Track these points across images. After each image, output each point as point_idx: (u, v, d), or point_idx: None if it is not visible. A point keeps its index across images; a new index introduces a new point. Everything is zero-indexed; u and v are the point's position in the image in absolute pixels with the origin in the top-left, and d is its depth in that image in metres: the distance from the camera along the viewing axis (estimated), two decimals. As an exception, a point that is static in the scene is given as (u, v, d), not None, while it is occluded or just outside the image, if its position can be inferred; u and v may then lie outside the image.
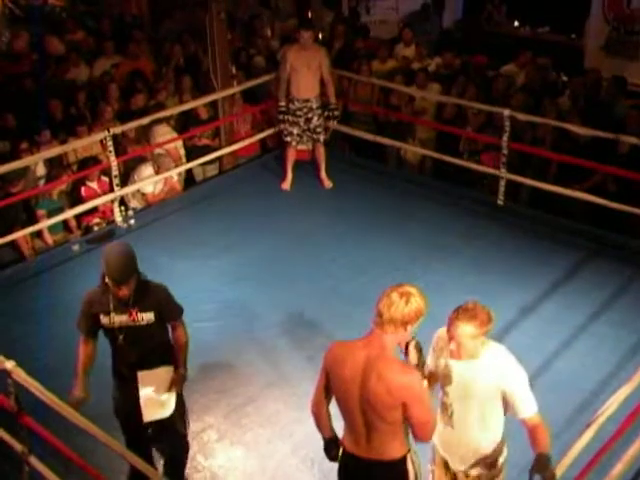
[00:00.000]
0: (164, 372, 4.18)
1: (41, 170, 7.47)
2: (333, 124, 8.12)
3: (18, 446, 4.28)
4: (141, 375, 4.15)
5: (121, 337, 4.05)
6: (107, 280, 3.95)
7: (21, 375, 4.00)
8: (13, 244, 6.96)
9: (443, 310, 6.20)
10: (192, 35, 10.20)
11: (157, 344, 4.17)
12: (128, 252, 3.98)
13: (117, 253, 3.96)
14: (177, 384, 4.19)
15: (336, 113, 8.03)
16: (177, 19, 11.32)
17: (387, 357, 3.09)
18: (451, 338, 3.39)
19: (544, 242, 7.02)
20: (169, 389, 4.16)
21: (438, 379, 3.58)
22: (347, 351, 3.18)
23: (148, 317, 4.06)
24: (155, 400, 4.16)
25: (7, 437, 4.36)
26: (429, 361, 3.58)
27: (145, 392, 4.15)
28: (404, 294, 3.11)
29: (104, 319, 4.04)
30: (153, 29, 11.12)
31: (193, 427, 4.99)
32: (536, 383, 5.21)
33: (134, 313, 4.04)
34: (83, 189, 7.44)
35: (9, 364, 4.03)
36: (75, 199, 7.43)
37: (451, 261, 6.73)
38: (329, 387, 3.27)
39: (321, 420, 3.42)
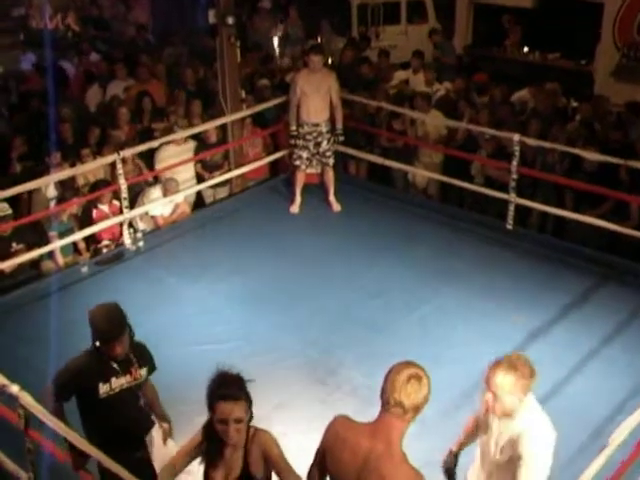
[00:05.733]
0: (156, 429, 4.21)
1: (52, 192, 7.51)
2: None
3: (24, 475, 4.23)
4: (148, 439, 4.12)
5: (118, 402, 3.88)
6: (98, 343, 3.80)
7: (26, 399, 3.95)
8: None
9: (454, 334, 6.20)
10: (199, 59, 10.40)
11: (142, 402, 4.11)
12: (114, 307, 3.85)
13: (103, 310, 3.82)
14: (170, 435, 4.24)
15: (341, 138, 8.04)
16: (178, 44, 11.48)
17: (393, 457, 2.88)
18: (488, 388, 3.20)
19: (554, 267, 6.97)
20: (165, 441, 4.20)
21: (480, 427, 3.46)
22: (350, 434, 3.00)
23: (144, 373, 4.00)
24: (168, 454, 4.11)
25: (12, 465, 4.32)
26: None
27: (158, 453, 4.14)
28: (417, 377, 2.90)
29: (103, 387, 3.83)
30: (157, 54, 11.26)
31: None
32: (548, 408, 5.19)
33: (134, 370, 3.93)
34: (95, 212, 7.46)
35: (14, 388, 3.99)
36: (85, 221, 7.44)
37: (460, 285, 6.69)
38: (325, 465, 3.11)
39: None
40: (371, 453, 2.90)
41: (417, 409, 2.89)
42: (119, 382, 3.88)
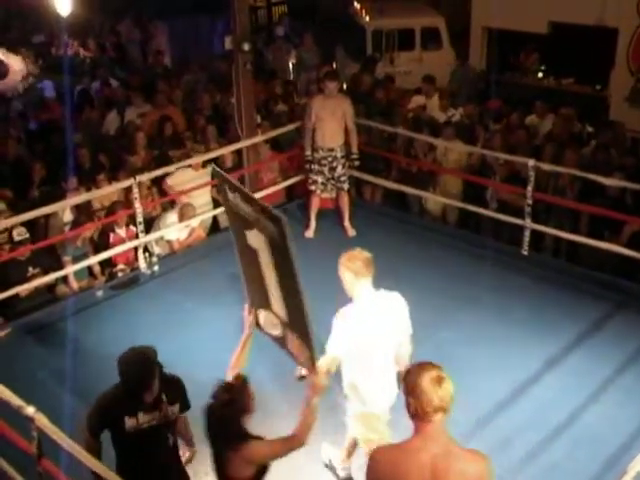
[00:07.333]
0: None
1: (68, 216, 7.57)
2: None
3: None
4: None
5: (147, 441, 3.82)
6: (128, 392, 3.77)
7: (42, 421, 3.97)
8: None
9: (469, 361, 6.15)
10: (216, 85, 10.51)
11: (175, 439, 4.05)
12: (142, 355, 3.79)
13: (132, 358, 3.76)
14: (191, 461, 4.26)
15: (357, 163, 8.08)
16: (196, 71, 11.60)
17: (457, 450, 2.95)
18: None
19: (569, 293, 6.94)
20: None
21: None
22: (403, 456, 2.96)
23: (175, 410, 3.93)
24: None
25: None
26: None
27: None
28: (441, 378, 2.92)
29: (130, 421, 3.75)
30: (175, 80, 11.39)
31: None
32: (563, 437, 5.15)
33: (164, 407, 3.85)
34: (112, 236, 7.51)
35: (30, 410, 4.01)
36: (102, 246, 7.49)
37: (476, 312, 6.66)
38: None
39: None
40: (436, 461, 2.90)
41: (452, 402, 2.92)
42: (147, 417, 3.79)
